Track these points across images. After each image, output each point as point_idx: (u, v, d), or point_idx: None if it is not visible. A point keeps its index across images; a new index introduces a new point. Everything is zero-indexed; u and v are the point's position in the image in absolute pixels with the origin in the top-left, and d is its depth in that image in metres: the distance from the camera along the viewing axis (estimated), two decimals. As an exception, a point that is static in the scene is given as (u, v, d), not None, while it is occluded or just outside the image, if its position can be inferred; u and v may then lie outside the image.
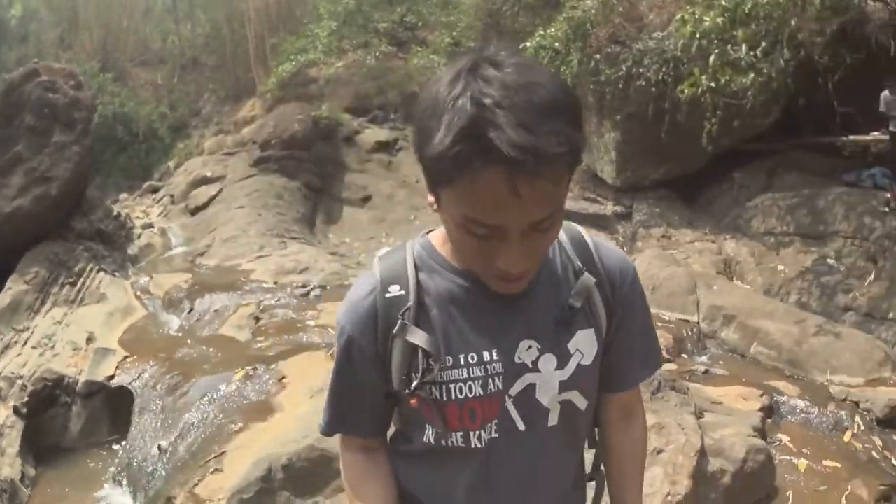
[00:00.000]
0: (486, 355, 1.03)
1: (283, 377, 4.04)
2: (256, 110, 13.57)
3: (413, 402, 1.03)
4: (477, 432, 1.04)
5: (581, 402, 1.09)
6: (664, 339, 5.02)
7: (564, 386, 1.06)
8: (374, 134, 11.69)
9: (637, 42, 7.86)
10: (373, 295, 1.05)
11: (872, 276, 6.23)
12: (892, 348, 5.32)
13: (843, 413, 4.32)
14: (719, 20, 6.38)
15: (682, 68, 7.15)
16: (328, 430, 1.16)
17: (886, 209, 6.62)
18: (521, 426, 1.05)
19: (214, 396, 3.97)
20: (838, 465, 3.75)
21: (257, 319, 5.30)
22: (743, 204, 7.73)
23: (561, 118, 0.84)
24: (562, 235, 1.10)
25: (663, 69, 7.45)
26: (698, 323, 5.80)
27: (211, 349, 4.88)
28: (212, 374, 4.31)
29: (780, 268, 6.90)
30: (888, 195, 6.80)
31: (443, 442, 1.06)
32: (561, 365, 1.05)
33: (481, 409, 1.03)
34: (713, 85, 6.36)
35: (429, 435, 1.07)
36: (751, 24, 6.40)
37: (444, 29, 12.31)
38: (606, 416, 1.21)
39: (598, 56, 8.06)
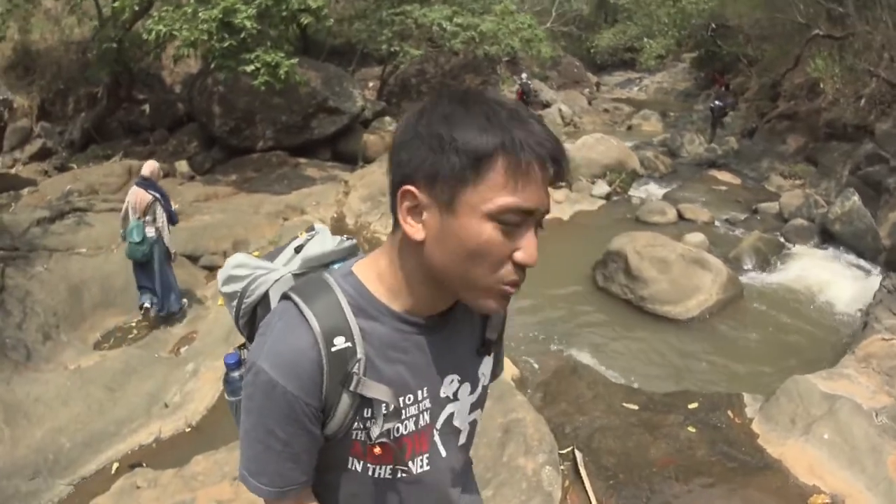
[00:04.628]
0: (419, 394, 1.03)
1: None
2: None
3: (377, 450, 0.99)
4: (406, 464, 1.05)
5: (479, 417, 1.16)
6: None
7: (473, 406, 1.12)
8: None
9: None
10: (316, 349, 0.93)
11: None
12: None
13: None
14: None
15: None
16: (276, 492, 0.99)
17: None
18: (444, 453, 1.09)
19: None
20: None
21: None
22: None
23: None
24: None
25: None
26: None
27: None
28: None
29: None
30: None
31: (369, 473, 1.04)
32: (473, 389, 1.11)
33: (411, 444, 1.04)
34: None
35: (355, 466, 1.04)
36: None
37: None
38: None
39: None
